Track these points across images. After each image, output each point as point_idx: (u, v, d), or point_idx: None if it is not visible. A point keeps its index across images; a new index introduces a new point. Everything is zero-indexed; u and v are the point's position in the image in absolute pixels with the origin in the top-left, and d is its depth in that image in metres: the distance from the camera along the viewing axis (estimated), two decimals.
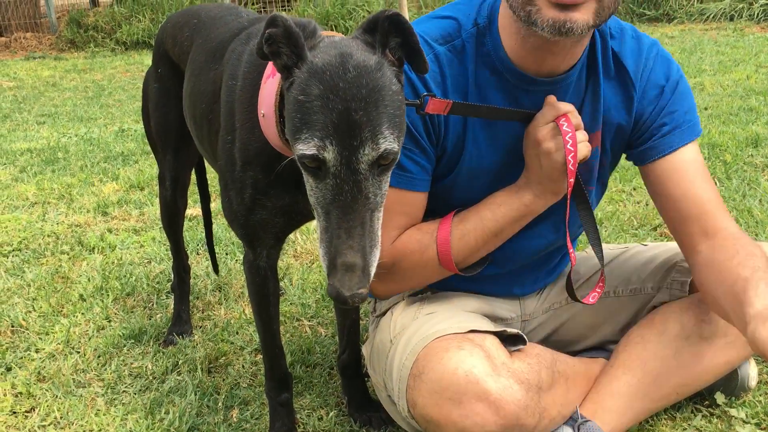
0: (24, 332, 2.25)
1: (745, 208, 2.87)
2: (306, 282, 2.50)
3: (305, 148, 1.04)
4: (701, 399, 1.70)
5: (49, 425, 1.79)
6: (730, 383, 1.68)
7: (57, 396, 1.90)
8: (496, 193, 1.53)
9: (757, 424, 1.62)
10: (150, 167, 4.03)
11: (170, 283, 2.56)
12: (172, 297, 2.34)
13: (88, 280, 2.60)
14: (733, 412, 1.63)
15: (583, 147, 1.43)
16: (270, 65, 1.25)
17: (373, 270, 1.09)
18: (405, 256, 1.54)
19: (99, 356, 2.10)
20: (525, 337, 1.49)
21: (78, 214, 3.37)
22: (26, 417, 1.83)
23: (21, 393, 1.93)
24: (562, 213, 1.53)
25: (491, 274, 1.66)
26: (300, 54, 1.08)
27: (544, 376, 1.46)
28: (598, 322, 1.77)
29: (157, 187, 3.63)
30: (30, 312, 2.39)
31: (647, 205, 2.96)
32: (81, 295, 2.47)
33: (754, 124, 4.05)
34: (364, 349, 1.70)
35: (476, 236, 1.50)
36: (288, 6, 10.01)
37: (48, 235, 3.10)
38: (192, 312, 2.34)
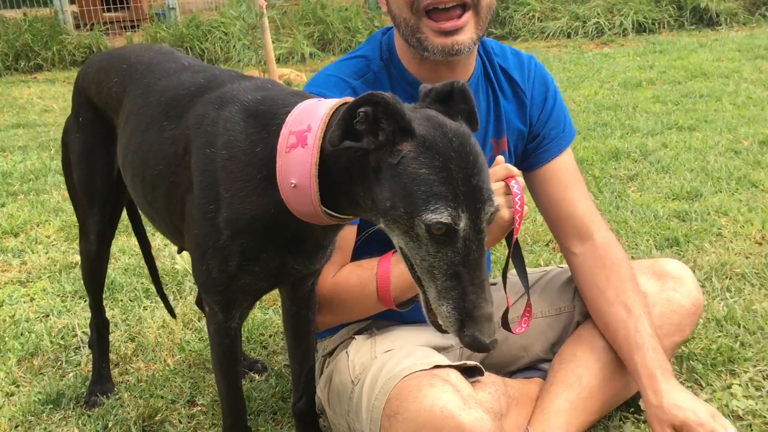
0: None
1: (621, 219, 3.14)
2: None
3: (440, 217, 1.08)
4: (627, 407, 1.86)
5: None
6: None
7: None
8: None
9: None
10: (19, 210, 3.77)
11: (75, 338, 2.43)
12: (85, 354, 2.23)
13: None
14: None
15: (526, 209, 1.58)
16: (285, 135, 1.24)
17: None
18: (345, 290, 1.63)
19: (16, 426, 1.96)
20: (482, 368, 1.57)
21: None
22: None
23: None
24: None
25: None
26: (406, 128, 1.11)
27: (503, 403, 1.55)
28: (529, 342, 1.89)
29: (35, 232, 3.44)
30: None
31: (536, 221, 3.17)
32: None
33: (610, 138, 4.43)
34: (319, 391, 1.71)
35: None
36: (137, 28, 9.66)
37: None
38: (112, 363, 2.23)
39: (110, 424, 1.94)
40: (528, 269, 2.06)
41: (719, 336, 2.15)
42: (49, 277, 2.95)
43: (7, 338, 2.42)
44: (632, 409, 1.86)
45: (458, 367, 1.55)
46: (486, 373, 1.60)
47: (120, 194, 1.83)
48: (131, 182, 1.58)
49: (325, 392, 1.68)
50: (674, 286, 1.81)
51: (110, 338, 2.39)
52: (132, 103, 1.58)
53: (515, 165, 1.83)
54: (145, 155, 1.49)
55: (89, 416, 1.99)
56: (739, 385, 1.93)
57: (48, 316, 2.61)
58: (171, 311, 2.21)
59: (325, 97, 1.49)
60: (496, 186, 1.55)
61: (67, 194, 1.93)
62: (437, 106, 1.20)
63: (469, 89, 1.22)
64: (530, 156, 1.83)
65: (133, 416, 1.95)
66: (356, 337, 1.72)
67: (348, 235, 1.61)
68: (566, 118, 1.85)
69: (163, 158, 1.43)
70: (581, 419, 1.71)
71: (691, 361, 2.03)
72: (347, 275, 1.63)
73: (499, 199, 1.55)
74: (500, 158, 1.61)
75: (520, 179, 1.58)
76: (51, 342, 2.40)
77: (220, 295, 1.38)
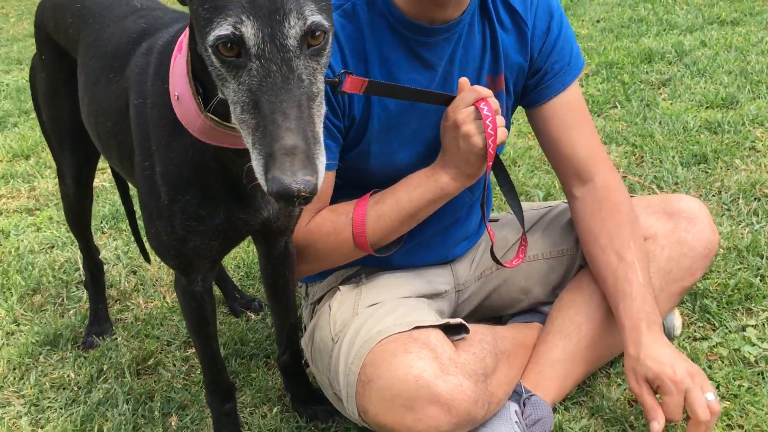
0: None
1: (647, 132, 2.94)
2: (230, 260, 2.40)
3: (219, 30, 0.90)
4: None
5: None
6: None
7: None
8: (412, 174, 1.54)
9: None
10: (32, 130, 3.72)
11: (78, 272, 2.41)
12: (85, 291, 2.21)
13: None
14: None
15: (502, 132, 1.45)
16: (174, 53, 1.14)
17: (319, 163, 0.92)
18: (320, 238, 1.56)
19: (14, 369, 1.97)
20: (467, 325, 1.48)
21: None
22: None
23: None
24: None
25: (422, 240, 1.66)
26: None
27: (489, 362, 1.47)
28: (529, 285, 1.79)
29: (46, 154, 3.39)
30: None
31: None
32: None
33: (645, 36, 4.13)
34: (303, 344, 1.66)
35: (392, 217, 1.51)
36: None
37: None
38: (108, 302, 2.21)
39: (105, 367, 1.94)
40: (532, 204, 1.95)
41: (739, 269, 2.02)
42: (56, 204, 2.92)
43: (11, 272, 2.42)
44: None
45: (441, 326, 1.46)
46: (474, 328, 1.52)
47: None
48: (92, 135, 1.49)
49: (309, 347, 1.62)
50: (686, 226, 1.67)
51: (113, 272, 2.38)
52: (84, 53, 1.47)
53: (515, 103, 1.67)
54: (96, 111, 1.39)
55: (85, 358, 1.99)
56: (755, 326, 1.81)
57: (53, 247, 2.60)
58: (145, 256, 2.13)
59: None
60: (466, 112, 1.43)
61: None
62: None
63: None
64: (531, 92, 1.65)
65: (128, 359, 1.94)
66: (341, 287, 1.64)
67: (325, 182, 1.50)
68: (573, 49, 1.65)
69: (111, 115, 1.33)
70: (579, 370, 1.63)
71: (705, 299, 1.91)
72: (321, 222, 1.53)
73: (469, 127, 1.42)
74: (463, 80, 1.47)
75: (493, 101, 1.44)
76: (53, 277, 2.39)
77: (175, 259, 1.30)
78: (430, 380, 1.32)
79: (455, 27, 1.49)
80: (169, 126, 1.16)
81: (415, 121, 1.53)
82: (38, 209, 2.91)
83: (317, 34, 0.96)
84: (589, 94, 3.38)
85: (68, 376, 1.93)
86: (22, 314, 2.22)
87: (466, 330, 1.49)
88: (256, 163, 0.92)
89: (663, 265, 1.65)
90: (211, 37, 0.92)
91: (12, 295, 2.29)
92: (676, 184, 2.55)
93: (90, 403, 1.81)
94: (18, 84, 4.51)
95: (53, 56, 1.68)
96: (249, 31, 0.91)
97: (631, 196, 1.78)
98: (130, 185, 1.94)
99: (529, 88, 1.64)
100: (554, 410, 1.60)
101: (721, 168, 2.61)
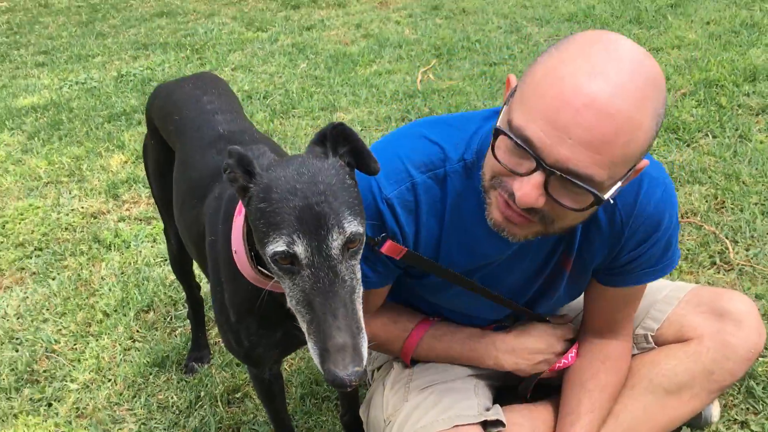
0: (57, 359, 2.47)
1: (733, 172, 2.92)
2: None
3: (275, 246, 1.11)
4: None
5: None
6: (695, 419, 1.85)
7: None
8: (475, 334, 1.77)
9: None
10: None
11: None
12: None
13: (109, 290, 2.78)
14: None
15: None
16: (238, 206, 1.35)
17: (364, 350, 1.12)
18: (372, 337, 1.71)
19: (128, 386, 2.32)
20: (503, 420, 1.66)
21: (90, 197, 3.50)
22: None
23: None
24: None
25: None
26: (252, 172, 1.17)
27: None
28: None
29: None
30: (60, 331, 2.60)
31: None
32: (104, 311, 2.67)
33: (754, 46, 3.98)
34: (361, 413, 1.87)
35: (438, 354, 1.78)
36: None
37: (65, 229, 3.25)
38: (208, 325, 2.53)
39: (202, 394, 2.25)
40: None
41: None
42: None
43: (130, 285, 2.78)
44: None
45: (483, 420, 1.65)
46: (511, 417, 1.68)
47: None
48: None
49: (365, 417, 1.84)
50: (732, 330, 1.73)
51: None
52: (177, 167, 1.70)
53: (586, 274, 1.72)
54: (182, 226, 1.65)
55: (186, 382, 2.31)
56: None
57: (165, 260, 2.94)
58: None
59: (379, 184, 1.48)
60: (554, 344, 1.75)
61: None
62: (316, 148, 1.21)
63: (348, 129, 1.21)
64: (605, 272, 1.63)
65: (220, 390, 2.25)
66: (395, 364, 1.84)
67: (375, 292, 1.67)
68: (661, 258, 1.59)
69: (193, 235, 1.58)
70: None
71: (751, 381, 1.99)
72: (379, 328, 1.74)
73: (539, 357, 1.74)
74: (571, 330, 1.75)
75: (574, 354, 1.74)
76: (164, 294, 2.73)
77: (245, 359, 1.56)
78: None
79: None
80: (233, 266, 1.38)
81: (486, 277, 1.64)
82: (155, 218, 3.26)
83: (356, 240, 1.15)
84: (681, 120, 3.35)
85: (171, 398, 2.26)
86: (137, 331, 2.57)
87: (503, 424, 1.66)
88: (314, 353, 1.14)
89: (707, 365, 1.72)
90: (269, 251, 1.13)
91: (130, 311, 2.65)
92: (752, 237, 2.56)
93: (188, 428, 2.14)
94: (144, 75, 4.89)
95: (159, 143, 1.93)
96: (300, 248, 1.11)
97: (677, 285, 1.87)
98: None
99: (599, 269, 1.64)
100: None
101: None
